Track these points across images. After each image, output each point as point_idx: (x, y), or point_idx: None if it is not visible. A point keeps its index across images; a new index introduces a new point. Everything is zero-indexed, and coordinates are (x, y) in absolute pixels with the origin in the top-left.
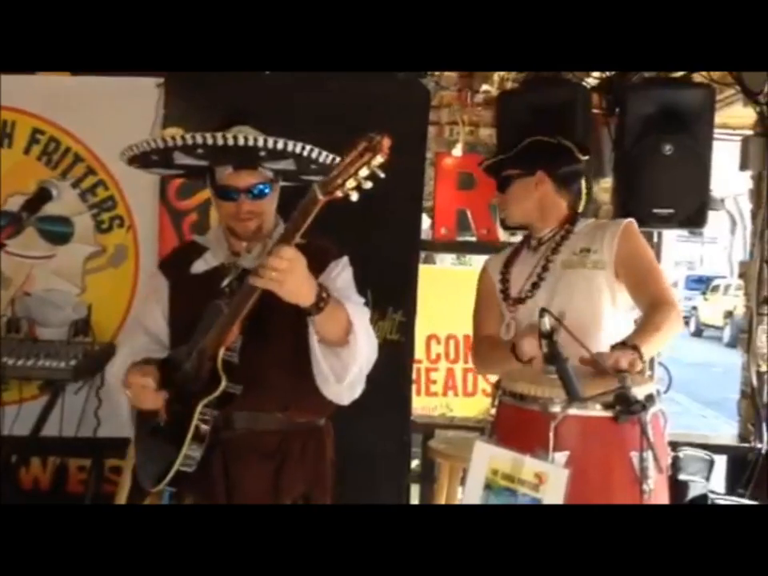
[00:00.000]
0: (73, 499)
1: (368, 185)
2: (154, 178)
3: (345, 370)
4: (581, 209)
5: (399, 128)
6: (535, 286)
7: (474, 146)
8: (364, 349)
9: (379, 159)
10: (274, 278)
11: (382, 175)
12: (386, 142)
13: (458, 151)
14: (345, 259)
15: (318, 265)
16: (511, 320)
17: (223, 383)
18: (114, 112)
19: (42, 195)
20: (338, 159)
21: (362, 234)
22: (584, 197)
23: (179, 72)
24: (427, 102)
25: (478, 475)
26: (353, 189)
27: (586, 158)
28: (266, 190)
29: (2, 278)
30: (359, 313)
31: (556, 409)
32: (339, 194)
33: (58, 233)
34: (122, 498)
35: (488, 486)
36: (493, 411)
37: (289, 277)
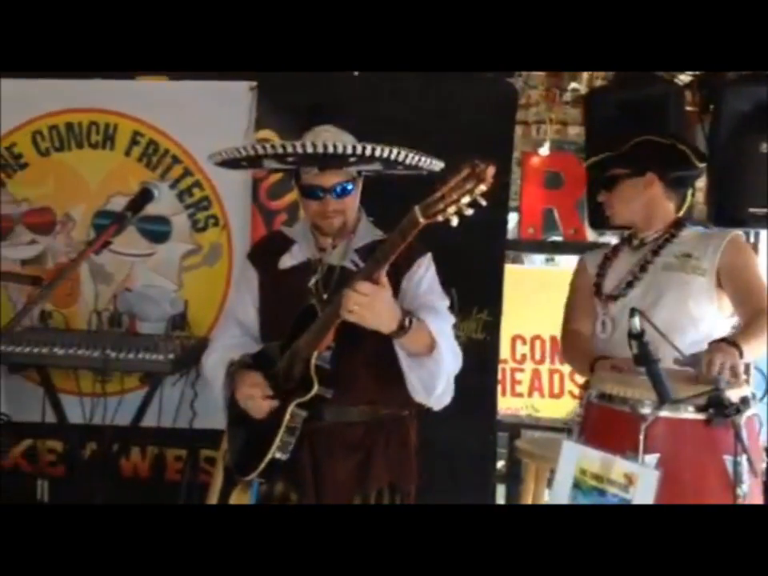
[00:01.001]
0: (169, 488)
1: (469, 211)
2: (247, 179)
3: (432, 381)
4: (682, 212)
5: (486, 127)
6: (630, 285)
7: (562, 144)
8: (448, 361)
9: (482, 188)
10: (355, 312)
11: (484, 203)
12: (491, 171)
13: (545, 150)
14: (428, 256)
15: (402, 263)
16: (604, 317)
17: (315, 388)
18: (209, 115)
19: (145, 196)
20: (423, 159)
21: (448, 232)
22: (689, 200)
23: (271, 74)
24: (515, 101)
25: (566, 474)
26: (454, 214)
27: (703, 165)
28: (350, 188)
29: (105, 275)
30: (442, 325)
31: (646, 410)
32: (440, 218)
33: (157, 231)
34: (215, 488)
35: (576, 486)
36: (580, 411)
37: (367, 312)
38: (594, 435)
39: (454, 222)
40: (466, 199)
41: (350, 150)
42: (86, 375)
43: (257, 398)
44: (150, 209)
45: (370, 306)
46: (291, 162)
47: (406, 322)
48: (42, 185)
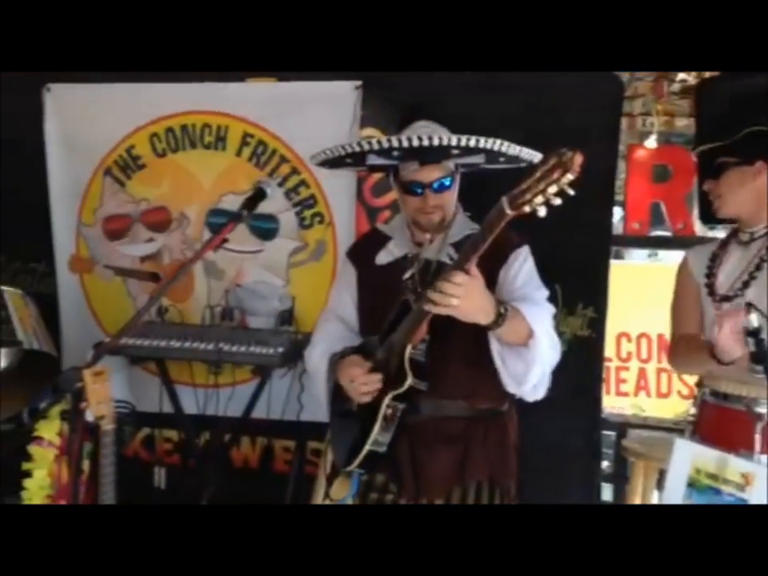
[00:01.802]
0: (278, 478)
1: (557, 201)
2: (352, 177)
3: (527, 372)
4: None
5: (591, 121)
6: (746, 284)
7: (669, 136)
8: (545, 352)
9: (569, 177)
10: (448, 304)
11: (572, 192)
12: (578, 159)
13: (651, 143)
14: (525, 249)
15: (498, 256)
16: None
17: (409, 380)
18: (315, 114)
19: (259, 194)
20: (525, 150)
21: (552, 227)
22: None
23: (375, 73)
24: (621, 94)
25: (679, 473)
26: (541, 204)
27: None
28: (449, 183)
29: (217, 271)
30: (540, 316)
31: (762, 409)
32: (527, 209)
33: (266, 229)
34: (321, 479)
35: (690, 485)
36: (693, 410)
37: (462, 302)
38: (707, 434)
39: (542, 212)
40: (552, 189)
41: (454, 142)
42: (200, 367)
43: (359, 377)
44: (260, 207)
45: (464, 297)
46: (394, 158)
47: (503, 310)
48: (158, 185)
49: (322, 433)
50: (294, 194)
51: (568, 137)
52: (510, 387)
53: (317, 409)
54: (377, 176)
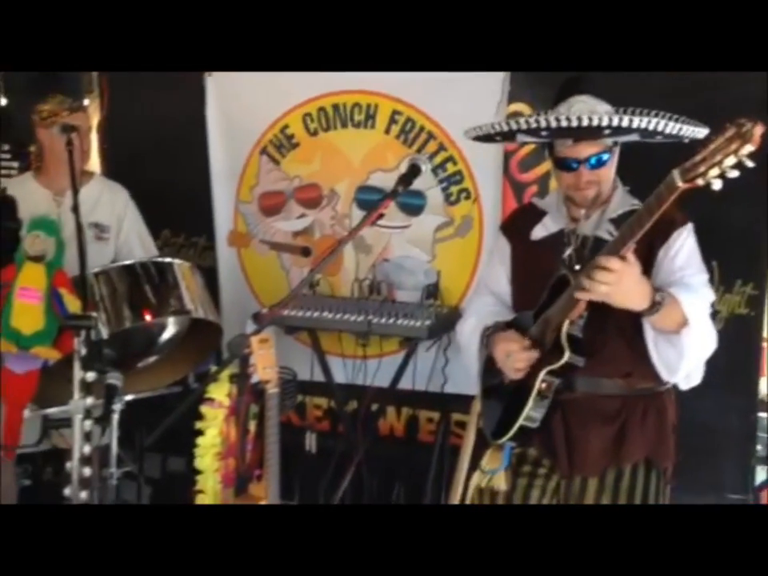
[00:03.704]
0: (423, 448)
1: (733, 173)
2: (498, 153)
3: (679, 361)
4: None
5: (750, 88)
6: None
7: None
8: (699, 342)
9: (749, 148)
10: (602, 292)
11: (751, 164)
12: (759, 130)
13: None
14: (689, 227)
15: (659, 234)
16: None
17: (566, 356)
18: (463, 90)
19: (414, 171)
20: (684, 128)
21: (710, 201)
22: None
23: None
24: None
25: None
26: (716, 177)
27: None
28: (606, 158)
29: (365, 246)
30: (696, 304)
31: None
32: (701, 182)
33: (414, 205)
34: (466, 451)
35: None
36: None
37: (614, 289)
38: None
39: (717, 185)
40: (730, 161)
41: (605, 122)
42: (348, 339)
43: (516, 352)
44: None
45: (617, 283)
46: (546, 136)
47: (658, 298)
48: (310, 163)
49: (466, 405)
50: (440, 171)
51: (726, 105)
52: (663, 374)
53: (461, 381)
54: (524, 151)
